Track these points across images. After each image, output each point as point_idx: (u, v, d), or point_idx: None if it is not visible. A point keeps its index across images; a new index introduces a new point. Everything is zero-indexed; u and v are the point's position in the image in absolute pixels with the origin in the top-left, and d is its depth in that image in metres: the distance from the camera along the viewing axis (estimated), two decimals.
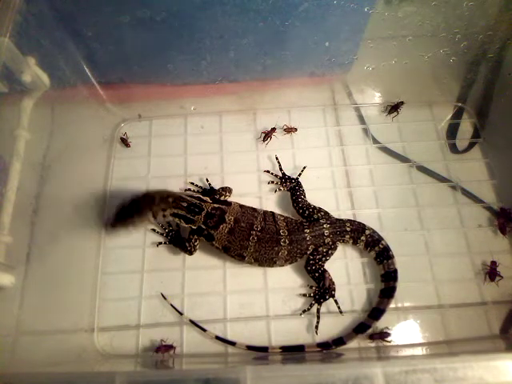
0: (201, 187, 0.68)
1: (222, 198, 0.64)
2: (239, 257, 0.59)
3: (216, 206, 0.60)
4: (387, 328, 0.60)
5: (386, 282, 0.61)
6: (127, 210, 0.57)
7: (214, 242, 0.59)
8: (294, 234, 0.59)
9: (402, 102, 0.72)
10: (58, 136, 0.60)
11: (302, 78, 0.73)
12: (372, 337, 0.59)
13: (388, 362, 0.32)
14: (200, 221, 0.59)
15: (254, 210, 0.61)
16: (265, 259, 0.58)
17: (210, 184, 0.68)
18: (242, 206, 0.61)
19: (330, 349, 0.59)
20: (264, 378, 0.34)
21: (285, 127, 0.72)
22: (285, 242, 0.58)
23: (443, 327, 0.61)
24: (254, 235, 0.58)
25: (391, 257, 0.61)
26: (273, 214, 0.61)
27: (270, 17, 0.59)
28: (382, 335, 0.59)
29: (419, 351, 0.60)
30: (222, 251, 0.59)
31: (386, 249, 0.62)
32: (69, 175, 0.63)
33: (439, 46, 0.65)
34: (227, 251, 0.59)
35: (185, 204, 0.58)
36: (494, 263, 0.63)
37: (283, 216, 0.62)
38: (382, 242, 0.62)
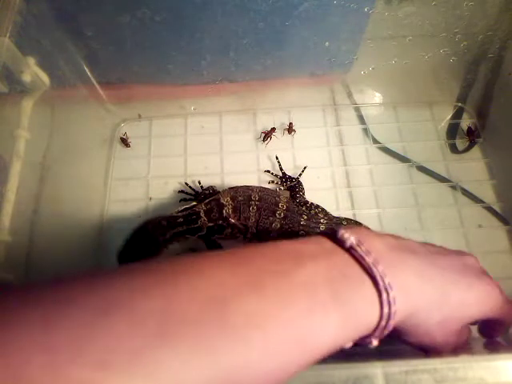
0: (193, 189, 0.67)
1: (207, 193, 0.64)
2: (245, 228, 0.58)
3: (207, 200, 0.59)
4: None
5: None
6: (137, 244, 0.54)
7: (226, 230, 0.58)
8: (290, 213, 0.58)
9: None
10: (58, 136, 0.60)
11: (302, 77, 0.73)
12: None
13: (388, 362, 0.31)
14: (205, 222, 0.57)
15: (247, 186, 0.60)
16: (262, 230, 0.58)
17: (202, 187, 0.67)
18: (232, 187, 0.60)
19: None
20: None
21: (285, 128, 0.72)
22: (280, 214, 0.58)
23: None
24: (254, 205, 0.58)
25: None
26: (271, 190, 0.60)
27: (269, 17, 0.59)
28: None
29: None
30: (235, 232, 0.59)
31: None
32: (69, 175, 0.63)
33: (439, 46, 0.65)
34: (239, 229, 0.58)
35: (181, 220, 0.57)
36: None
37: (287, 197, 0.61)
38: None
